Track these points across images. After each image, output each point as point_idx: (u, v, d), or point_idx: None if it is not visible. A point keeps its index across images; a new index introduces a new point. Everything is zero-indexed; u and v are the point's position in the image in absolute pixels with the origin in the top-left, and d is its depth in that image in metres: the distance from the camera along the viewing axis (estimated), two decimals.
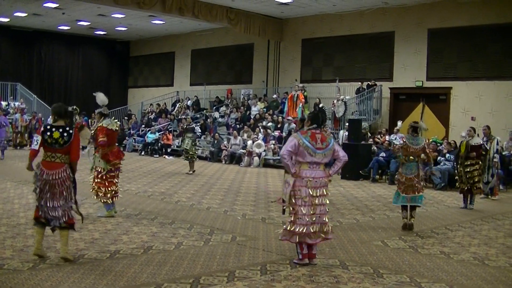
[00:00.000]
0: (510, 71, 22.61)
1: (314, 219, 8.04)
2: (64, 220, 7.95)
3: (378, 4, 25.88)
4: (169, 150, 28.64)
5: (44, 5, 29.08)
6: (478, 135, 15.39)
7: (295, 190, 8.08)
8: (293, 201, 8.10)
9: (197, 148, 20.50)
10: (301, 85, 27.93)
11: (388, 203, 14.66)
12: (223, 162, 25.71)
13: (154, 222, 11.01)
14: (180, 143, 23.92)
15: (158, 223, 10.91)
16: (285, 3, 26.68)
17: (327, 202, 8.26)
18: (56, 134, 7.88)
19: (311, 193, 8.03)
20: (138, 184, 16.78)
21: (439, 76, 24.66)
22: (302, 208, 8.02)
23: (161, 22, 33.05)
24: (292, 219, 8.11)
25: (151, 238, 9.53)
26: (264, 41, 31.75)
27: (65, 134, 7.91)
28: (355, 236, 10.32)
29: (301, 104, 26.25)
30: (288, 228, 8.12)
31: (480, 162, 14.71)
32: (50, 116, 8.41)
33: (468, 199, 14.53)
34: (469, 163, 14.44)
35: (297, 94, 26.56)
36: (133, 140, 31.36)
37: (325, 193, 8.18)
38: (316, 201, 8.07)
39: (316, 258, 8.19)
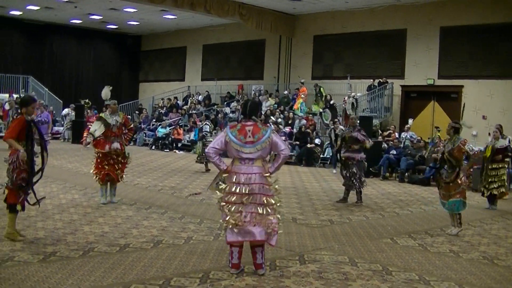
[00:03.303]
0: None
1: (248, 217, 7.30)
2: (9, 202, 8.51)
3: (390, 1, 25.83)
4: (179, 144, 28.67)
5: None
6: (489, 134, 15.27)
7: (228, 187, 7.44)
8: (229, 198, 7.41)
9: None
10: (302, 80, 28.33)
11: (398, 201, 14.67)
12: None
13: (164, 216, 11.04)
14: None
15: (168, 217, 10.94)
16: None
17: (272, 201, 7.42)
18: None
19: (242, 190, 7.33)
20: (149, 178, 16.82)
21: (450, 74, 24.59)
22: (232, 207, 7.36)
23: (173, 16, 33.05)
24: (226, 217, 7.41)
25: (161, 232, 9.57)
26: (275, 37, 31.72)
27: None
28: (364, 233, 10.32)
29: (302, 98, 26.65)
30: (225, 226, 7.46)
31: (506, 165, 14.50)
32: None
33: (492, 200, 14.35)
34: (494, 166, 14.30)
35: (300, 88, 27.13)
36: (144, 135, 31.40)
37: (263, 191, 7.37)
38: (250, 199, 7.31)
39: (262, 268, 7.40)
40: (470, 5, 23.85)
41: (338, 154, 14.22)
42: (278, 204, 7.58)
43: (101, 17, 34.87)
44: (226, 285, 6.86)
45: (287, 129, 26.38)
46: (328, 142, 23.14)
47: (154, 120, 32.74)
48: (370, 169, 20.10)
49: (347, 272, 7.61)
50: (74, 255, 7.84)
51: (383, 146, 21.56)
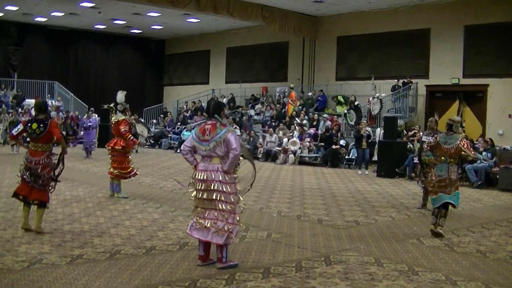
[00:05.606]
0: None
1: (206, 214, 7.71)
2: (40, 200, 9.17)
3: (413, 1, 25.70)
4: None
5: (80, 4, 29.44)
6: None
7: (193, 183, 7.90)
8: (194, 194, 7.93)
9: None
10: (292, 85, 29.59)
11: None
12: (259, 159, 25.68)
13: (189, 219, 11.05)
14: None
15: None
16: (320, 1, 26.61)
17: (230, 200, 7.63)
18: (34, 126, 9.08)
19: (200, 187, 7.74)
20: (174, 181, 16.87)
21: (475, 73, 24.37)
22: (195, 202, 7.93)
23: (196, 20, 33.17)
24: (193, 212, 8.09)
25: (187, 234, 9.58)
26: (299, 39, 31.70)
27: (41, 125, 9.02)
28: (390, 234, 10.28)
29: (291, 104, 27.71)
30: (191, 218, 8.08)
31: None
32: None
33: None
34: None
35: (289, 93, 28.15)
36: (169, 138, 31.55)
37: (219, 188, 7.61)
38: (205, 196, 7.69)
39: (221, 262, 7.58)
40: (494, 3, 23.63)
41: (419, 160, 13.56)
42: (241, 208, 7.95)
43: (125, 22, 35.12)
44: (252, 286, 6.87)
45: (312, 130, 26.38)
46: (353, 143, 23.06)
47: (179, 123, 32.87)
48: (396, 169, 20.01)
49: (373, 273, 7.59)
50: (101, 257, 7.91)
51: (408, 146, 21.38)
